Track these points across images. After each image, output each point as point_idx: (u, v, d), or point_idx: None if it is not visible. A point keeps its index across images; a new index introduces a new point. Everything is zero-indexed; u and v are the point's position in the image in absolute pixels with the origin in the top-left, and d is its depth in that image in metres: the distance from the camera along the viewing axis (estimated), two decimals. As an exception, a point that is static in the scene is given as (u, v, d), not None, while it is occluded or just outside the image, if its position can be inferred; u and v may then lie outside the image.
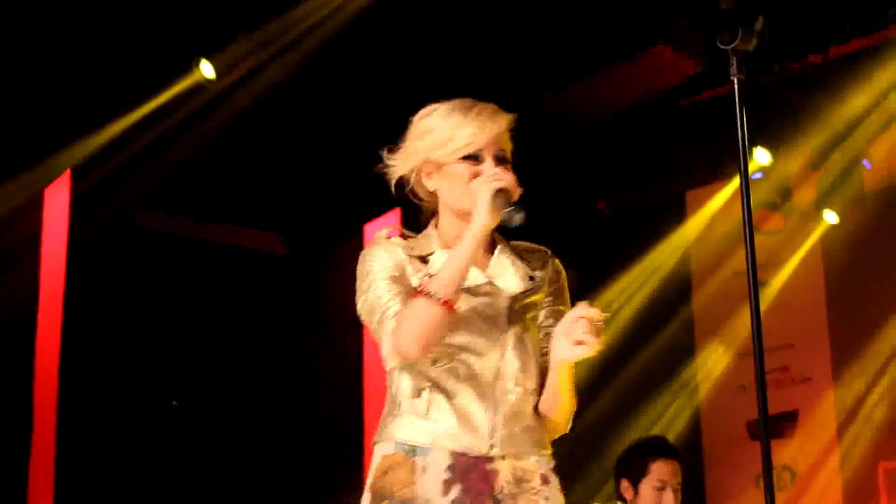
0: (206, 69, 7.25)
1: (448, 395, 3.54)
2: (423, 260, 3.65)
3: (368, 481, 3.56)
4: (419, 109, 3.68)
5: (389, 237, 3.75)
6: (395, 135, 8.37)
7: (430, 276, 3.54)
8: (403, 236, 3.75)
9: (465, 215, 3.58)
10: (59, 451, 7.28)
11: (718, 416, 9.33)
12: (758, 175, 8.64)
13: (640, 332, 9.09)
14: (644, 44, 8.06)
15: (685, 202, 9.46)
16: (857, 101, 8.02)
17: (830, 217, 8.90)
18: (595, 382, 8.68)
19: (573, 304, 3.58)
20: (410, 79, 7.75)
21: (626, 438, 7.19)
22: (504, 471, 3.54)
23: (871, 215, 8.79)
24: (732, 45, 3.90)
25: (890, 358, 8.71)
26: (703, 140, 8.53)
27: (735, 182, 8.53)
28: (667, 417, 9.02)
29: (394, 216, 8.55)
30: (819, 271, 9.25)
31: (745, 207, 3.82)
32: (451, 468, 3.50)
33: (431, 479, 3.49)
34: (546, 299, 3.79)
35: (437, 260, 3.64)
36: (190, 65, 7.24)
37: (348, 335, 8.60)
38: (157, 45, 7.17)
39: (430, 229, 3.74)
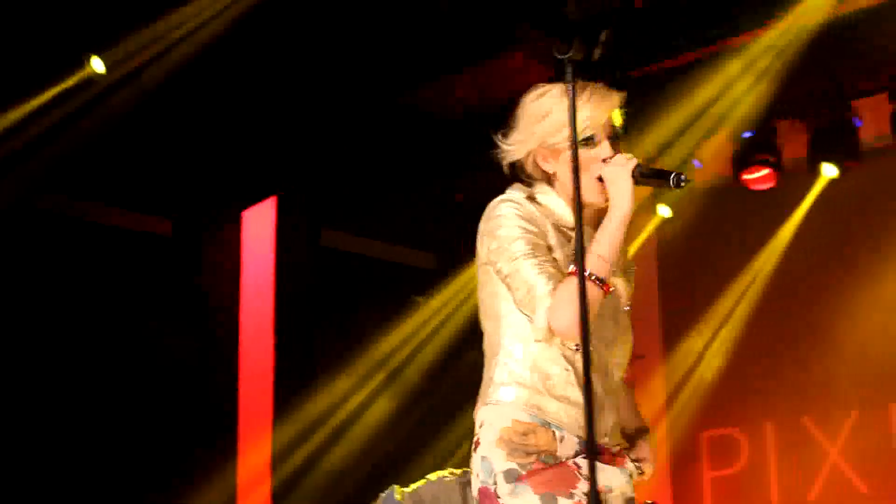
0: (97, 64, 7.27)
1: (581, 382, 3.29)
2: (563, 231, 3.47)
3: (493, 436, 3.42)
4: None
5: (527, 198, 3.53)
6: (274, 127, 8.44)
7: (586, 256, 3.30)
8: (532, 198, 3.53)
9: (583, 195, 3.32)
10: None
11: None
12: None
13: None
14: (499, 49, 8.16)
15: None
16: (688, 106, 8.12)
17: (664, 211, 9.12)
18: (448, 357, 9.00)
19: None
20: (288, 73, 7.91)
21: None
22: (610, 453, 3.51)
23: (700, 210, 9.00)
24: (567, 55, 4.01)
25: (712, 339, 9.05)
26: None
27: None
28: None
29: (270, 203, 8.70)
30: (653, 260, 9.51)
31: (577, 205, 3.67)
32: (581, 443, 3.40)
33: (568, 446, 3.39)
34: None
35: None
36: (82, 60, 7.28)
37: (227, 313, 8.70)
38: (51, 41, 7.19)
39: (555, 196, 3.54)
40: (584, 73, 4.01)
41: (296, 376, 8.52)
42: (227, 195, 8.79)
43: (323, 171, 8.85)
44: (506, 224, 3.43)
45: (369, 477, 7.29)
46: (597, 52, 7.91)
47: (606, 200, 3.46)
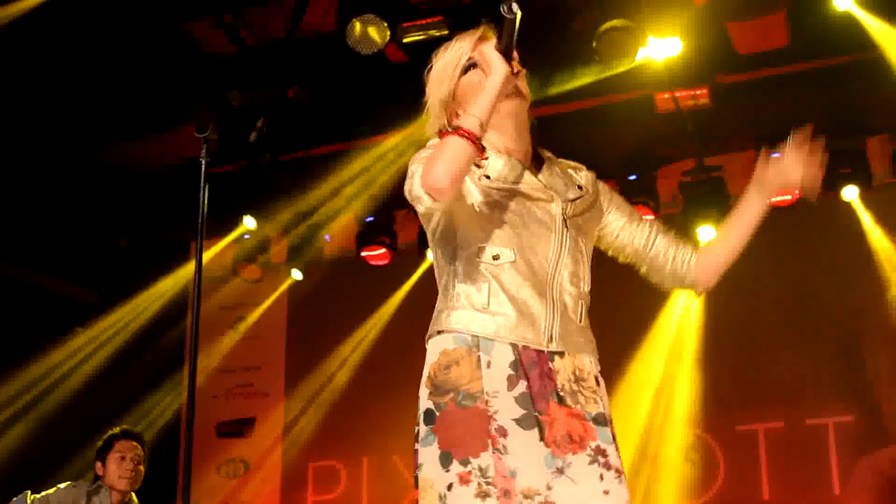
0: None
1: (507, 290, 2.97)
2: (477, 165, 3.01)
3: (425, 376, 2.99)
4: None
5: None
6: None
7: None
8: None
9: (499, 118, 3.02)
10: None
11: (196, 418, 9.45)
12: (247, 236, 8.74)
13: (142, 343, 9.07)
14: (178, 121, 8.07)
15: (190, 248, 9.41)
16: (322, 189, 8.29)
17: (297, 273, 9.11)
18: (96, 381, 8.83)
19: None
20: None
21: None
22: (564, 369, 2.98)
23: (327, 276, 9.17)
24: (204, 134, 3.94)
25: (324, 385, 9.15)
26: (211, 202, 8.66)
27: (228, 238, 8.76)
28: (153, 415, 9.02)
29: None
30: (284, 314, 9.57)
31: (197, 269, 3.81)
32: (514, 364, 2.94)
33: (496, 374, 2.92)
34: (600, 203, 3.27)
35: (493, 162, 3.05)
36: None
37: None
38: None
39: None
40: (219, 149, 3.99)
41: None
42: None
43: (6, 207, 8.58)
44: (419, 157, 3.05)
45: (10, 484, 7.04)
46: (253, 136, 8.04)
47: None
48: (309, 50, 7.58)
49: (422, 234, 8.70)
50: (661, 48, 6.82)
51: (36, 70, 7.51)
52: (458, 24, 6.99)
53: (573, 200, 3.14)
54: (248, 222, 8.66)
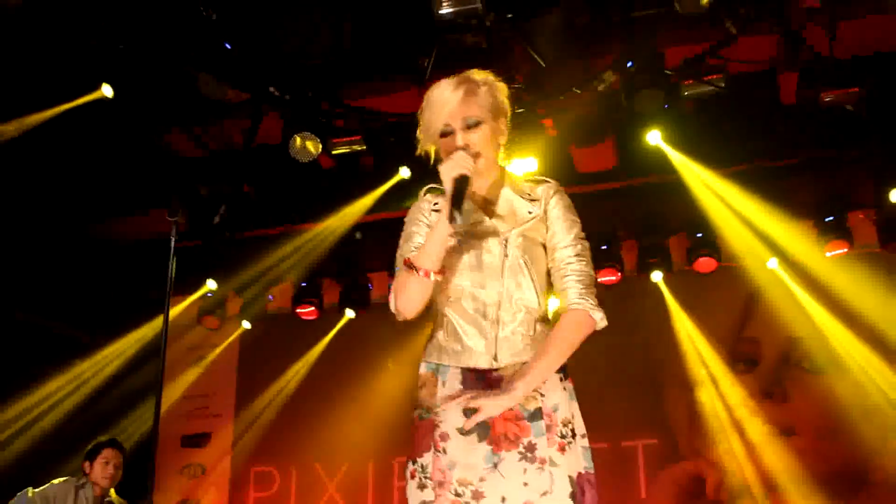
0: None
1: (460, 325, 2.81)
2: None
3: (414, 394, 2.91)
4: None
5: (426, 192, 2.94)
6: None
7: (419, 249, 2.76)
8: (436, 191, 2.91)
9: None
10: None
11: (164, 432, 9.13)
12: (209, 294, 8.59)
13: (126, 373, 8.59)
14: (150, 206, 7.99)
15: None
16: (267, 261, 8.10)
17: (246, 324, 8.93)
18: (87, 403, 8.50)
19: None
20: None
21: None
22: (507, 373, 2.80)
23: (271, 326, 9.00)
24: (174, 218, 4.01)
25: (264, 409, 8.88)
26: (182, 268, 8.47)
27: (194, 296, 8.56)
28: (132, 429, 8.45)
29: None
30: (235, 354, 9.38)
31: (165, 320, 3.89)
32: (463, 381, 2.80)
33: (448, 391, 2.79)
34: (548, 224, 2.91)
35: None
36: None
37: None
38: None
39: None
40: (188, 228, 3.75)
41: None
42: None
43: (17, 262, 8.28)
44: (405, 222, 2.95)
45: (17, 482, 6.71)
46: (216, 219, 7.93)
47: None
48: (259, 156, 7.52)
49: (343, 297, 8.75)
50: (521, 165, 6.89)
51: (46, 165, 7.34)
52: (373, 142, 7.10)
53: (519, 227, 2.87)
54: (211, 284, 8.55)
